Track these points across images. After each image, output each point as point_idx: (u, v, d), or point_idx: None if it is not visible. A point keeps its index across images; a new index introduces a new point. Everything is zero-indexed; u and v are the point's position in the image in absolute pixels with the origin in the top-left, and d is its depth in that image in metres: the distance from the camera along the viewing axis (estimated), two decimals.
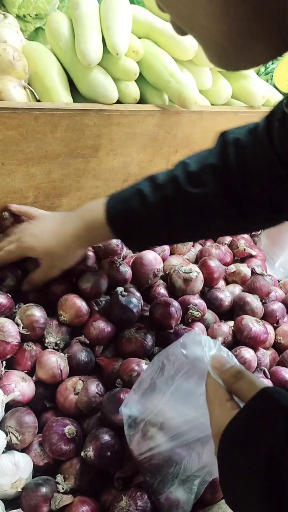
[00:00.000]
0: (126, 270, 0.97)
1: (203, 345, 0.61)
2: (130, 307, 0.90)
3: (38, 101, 1.02)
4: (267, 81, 1.40)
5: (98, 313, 0.90)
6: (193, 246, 1.18)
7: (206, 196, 0.79)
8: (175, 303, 0.93)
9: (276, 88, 1.37)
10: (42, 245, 0.88)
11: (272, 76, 1.40)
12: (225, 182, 0.78)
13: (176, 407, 0.65)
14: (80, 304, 0.89)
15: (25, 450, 0.77)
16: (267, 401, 0.51)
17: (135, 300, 0.92)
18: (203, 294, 1.06)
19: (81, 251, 0.94)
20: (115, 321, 0.90)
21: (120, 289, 0.92)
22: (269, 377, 0.95)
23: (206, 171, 0.79)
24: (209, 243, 1.23)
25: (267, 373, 0.95)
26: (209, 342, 0.62)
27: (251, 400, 0.52)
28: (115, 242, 1.02)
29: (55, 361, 0.82)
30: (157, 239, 0.90)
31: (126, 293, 0.92)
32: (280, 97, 1.35)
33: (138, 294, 0.96)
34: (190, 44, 1.10)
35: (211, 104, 1.22)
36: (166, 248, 1.08)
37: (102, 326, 0.88)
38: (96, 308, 0.91)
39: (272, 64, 1.48)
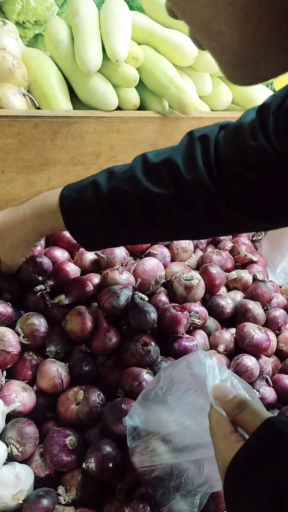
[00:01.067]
0: (128, 277, 0.96)
1: (206, 372, 0.60)
2: (150, 315, 0.89)
3: (38, 108, 1.02)
4: (267, 86, 1.40)
5: (106, 321, 0.89)
6: (194, 252, 1.17)
7: (161, 196, 0.72)
8: (185, 311, 0.93)
9: None
10: None
11: (272, 81, 1.40)
12: (188, 181, 0.70)
13: (182, 423, 0.65)
14: (88, 323, 0.87)
15: (26, 461, 0.76)
16: (271, 432, 0.50)
17: (153, 308, 0.91)
18: (204, 301, 1.05)
19: (32, 238, 0.86)
20: (134, 325, 0.89)
21: (140, 294, 0.92)
22: (272, 385, 0.95)
23: (166, 166, 0.72)
24: (210, 249, 1.22)
25: (270, 381, 0.94)
26: (214, 368, 0.61)
27: (256, 431, 0.51)
28: (119, 252, 1.01)
29: (55, 371, 0.81)
30: (108, 236, 0.82)
31: (144, 300, 0.92)
32: None
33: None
34: (190, 50, 1.10)
35: (211, 110, 1.22)
36: (167, 254, 1.07)
37: (107, 340, 0.87)
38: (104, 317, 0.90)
39: None
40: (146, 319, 0.88)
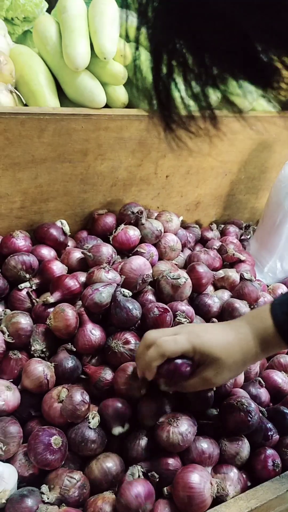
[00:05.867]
0: (114, 276, 0.96)
1: None
2: (132, 312, 0.88)
3: (25, 105, 1.01)
4: None
5: (90, 319, 0.89)
6: (182, 251, 1.17)
7: None
8: (168, 312, 0.92)
9: None
10: (222, 342, 0.72)
11: None
12: None
13: None
14: (72, 318, 0.86)
15: (9, 460, 0.75)
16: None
17: (137, 305, 0.91)
18: (191, 300, 1.05)
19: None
20: (116, 322, 0.88)
21: (123, 291, 0.90)
22: (264, 385, 0.94)
23: None
24: (198, 248, 1.22)
25: (262, 382, 0.94)
26: None
27: None
28: (106, 251, 1.01)
29: (41, 371, 0.80)
30: None
31: (127, 296, 0.91)
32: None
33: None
34: None
35: None
36: (155, 253, 1.07)
37: (92, 337, 0.86)
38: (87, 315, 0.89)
39: None
40: (128, 316, 0.87)
